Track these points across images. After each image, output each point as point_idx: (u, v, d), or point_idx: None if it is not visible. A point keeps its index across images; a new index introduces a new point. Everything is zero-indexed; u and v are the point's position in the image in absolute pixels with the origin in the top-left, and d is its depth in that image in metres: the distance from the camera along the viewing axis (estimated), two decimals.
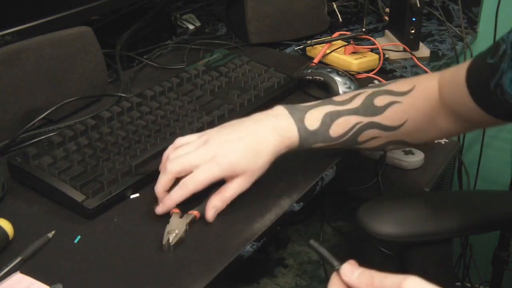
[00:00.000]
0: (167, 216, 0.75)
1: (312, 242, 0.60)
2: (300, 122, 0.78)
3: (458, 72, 0.80)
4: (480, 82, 0.76)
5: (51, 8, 0.98)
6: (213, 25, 1.41)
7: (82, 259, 0.68)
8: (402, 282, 0.54)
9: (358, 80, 1.08)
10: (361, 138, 0.81)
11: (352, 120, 0.80)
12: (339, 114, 0.79)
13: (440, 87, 0.83)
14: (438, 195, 1.15)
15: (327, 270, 0.62)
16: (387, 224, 0.87)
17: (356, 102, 0.80)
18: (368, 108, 0.80)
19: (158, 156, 0.82)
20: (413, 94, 0.82)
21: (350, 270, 0.58)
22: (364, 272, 0.58)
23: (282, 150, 0.77)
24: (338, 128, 0.79)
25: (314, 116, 0.79)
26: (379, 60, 1.17)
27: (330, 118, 0.79)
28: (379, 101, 0.81)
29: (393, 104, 0.81)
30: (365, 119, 0.80)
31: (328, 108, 0.80)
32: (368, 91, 0.82)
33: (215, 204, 0.73)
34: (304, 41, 1.27)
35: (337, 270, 0.58)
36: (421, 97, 0.82)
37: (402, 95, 0.81)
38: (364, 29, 1.34)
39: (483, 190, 1.57)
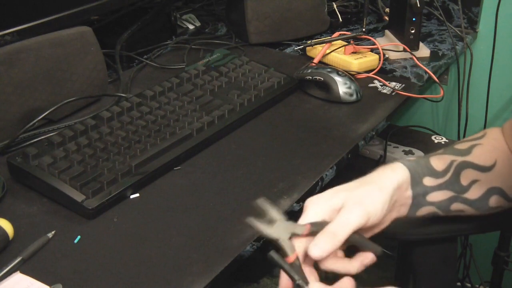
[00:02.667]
0: (167, 215, 0.75)
1: (272, 254, 0.59)
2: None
3: None
4: None
5: (51, 8, 0.98)
6: (213, 25, 1.41)
7: (82, 259, 0.68)
8: None
9: (358, 80, 1.08)
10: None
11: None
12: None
13: (506, 140, 0.82)
14: None
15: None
16: (392, 222, 0.87)
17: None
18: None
19: (158, 156, 0.82)
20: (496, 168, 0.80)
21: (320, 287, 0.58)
22: None
23: None
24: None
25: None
26: (379, 60, 1.17)
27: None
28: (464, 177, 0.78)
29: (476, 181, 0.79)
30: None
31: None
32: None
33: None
34: (304, 41, 1.27)
35: (298, 285, 0.58)
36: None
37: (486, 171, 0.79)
38: (364, 29, 1.34)
39: None
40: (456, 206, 0.78)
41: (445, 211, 0.78)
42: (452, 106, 1.56)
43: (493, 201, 0.80)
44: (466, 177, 0.78)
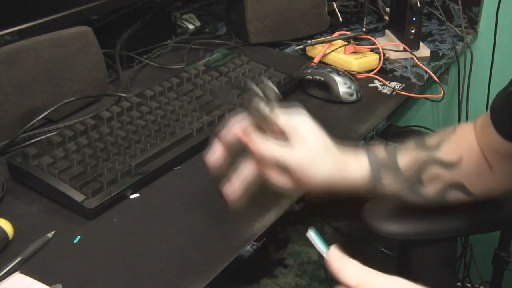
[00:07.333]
0: (167, 215, 0.75)
1: (310, 233, 0.58)
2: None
3: (486, 114, 0.79)
4: (506, 113, 0.74)
5: (51, 8, 0.98)
6: (213, 25, 1.41)
7: (82, 259, 0.68)
8: None
9: (358, 80, 1.08)
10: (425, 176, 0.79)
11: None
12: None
13: (476, 135, 0.82)
14: None
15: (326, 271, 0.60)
16: (393, 222, 0.87)
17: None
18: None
19: (158, 156, 0.82)
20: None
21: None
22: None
23: None
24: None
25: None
26: (379, 60, 1.17)
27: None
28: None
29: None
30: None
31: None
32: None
33: None
34: (304, 41, 1.27)
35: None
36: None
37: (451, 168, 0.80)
38: (364, 29, 1.34)
39: None
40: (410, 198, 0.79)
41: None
42: (452, 106, 1.56)
43: (451, 196, 0.81)
44: (427, 173, 0.78)
